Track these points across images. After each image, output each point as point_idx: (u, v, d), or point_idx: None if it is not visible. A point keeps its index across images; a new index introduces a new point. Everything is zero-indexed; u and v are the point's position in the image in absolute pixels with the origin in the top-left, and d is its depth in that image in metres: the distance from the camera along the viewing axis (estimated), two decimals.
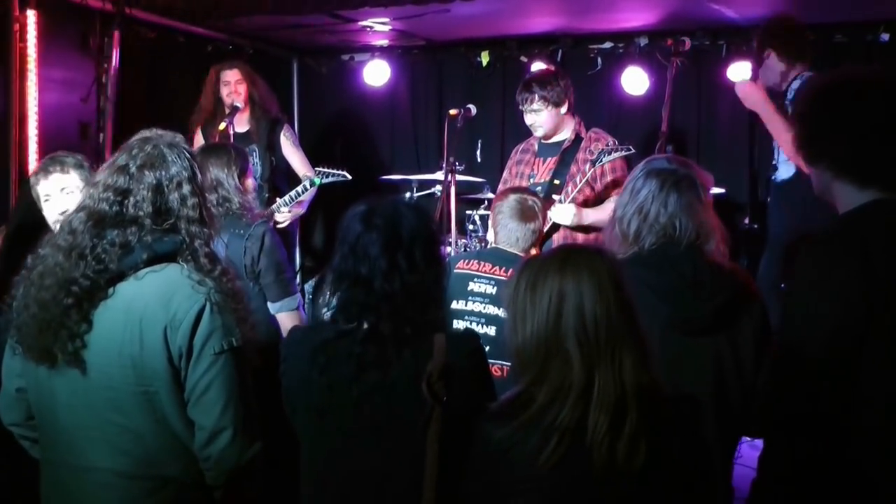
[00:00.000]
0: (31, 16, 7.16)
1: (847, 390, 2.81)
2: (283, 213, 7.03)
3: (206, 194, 3.28)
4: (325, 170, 7.09)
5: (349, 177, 7.15)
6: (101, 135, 7.87)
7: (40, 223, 5.03)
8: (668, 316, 3.41)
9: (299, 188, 7.00)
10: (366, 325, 3.07)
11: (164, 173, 3.07)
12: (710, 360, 3.53)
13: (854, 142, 2.95)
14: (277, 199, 7.10)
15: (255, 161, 7.36)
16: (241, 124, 7.55)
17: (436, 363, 2.94)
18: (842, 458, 2.84)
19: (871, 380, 2.79)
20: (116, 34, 7.88)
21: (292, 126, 8.32)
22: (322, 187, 7.12)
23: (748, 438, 3.85)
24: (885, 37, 7.82)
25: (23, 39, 7.13)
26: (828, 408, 2.85)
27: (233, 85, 7.51)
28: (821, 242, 3.02)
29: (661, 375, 2.81)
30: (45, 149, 7.22)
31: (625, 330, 2.71)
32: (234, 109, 7.25)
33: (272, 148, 7.57)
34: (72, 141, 7.49)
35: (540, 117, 6.21)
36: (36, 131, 7.27)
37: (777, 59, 6.41)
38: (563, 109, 6.21)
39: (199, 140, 7.33)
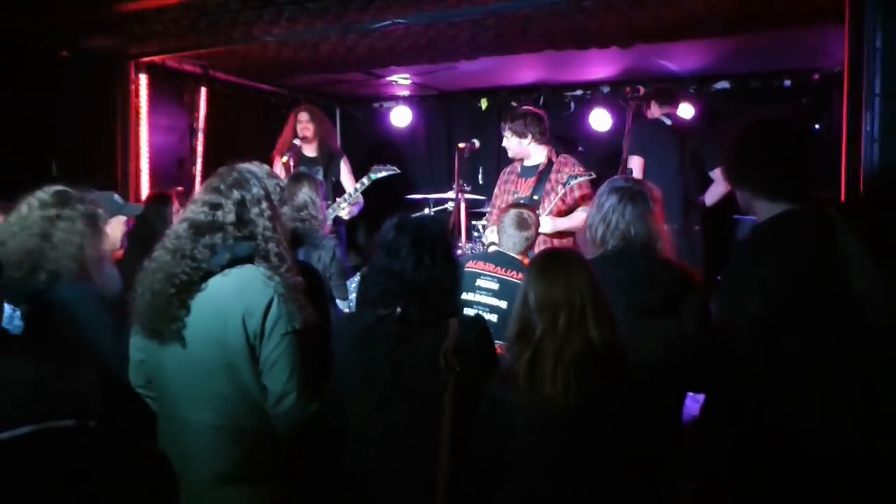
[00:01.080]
0: (143, 78, 7.24)
1: (767, 354, 2.84)
2: (344, 209, 7.02)
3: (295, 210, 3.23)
4: (378, 166, 7.08)
5: (398, 171, 7.15)
6: (194, 167, 7.89)
7: (154, 233, 4.99)
8: (627, 303, 3.38)
9: (358, 184, 7.01)
10: (398, 311, 3.06)
11: (246, 192, 3.06)
12: (661, 337, 3.48)
13: (764, 169, 3.02)
14: (337, 199, 7.11)
15: (320, 177, 7.33)
16: (311, 151, 7.53)
17: (450, 342, 2.94)
18: (764, 402, 2.88)
19: (787, 345, 2.83)
20: (204, 90, 7.94)
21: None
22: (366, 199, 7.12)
23: (691, 393, 3.81)
24: (788, 83, 7.87)
25: (137, 96, 7.21)
26: (753, 368, 2.88)
27: (304, 123, 7.47)
28: (744, 243, 3.08)
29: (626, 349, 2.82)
30: (154, 178, 7.30)
31: (590, 303, 2.72)
32: (294, 147, 7.23)
33: (331, 171, 7.53)
34: (172, 172, 7.54)
35: (510, 143, 6.15)
36: (147, 165, 7.32)
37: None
38: (527, 140, 6.10)
39: (277, 165, 7.25)
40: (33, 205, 3.66)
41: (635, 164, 6.52)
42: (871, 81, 4.03)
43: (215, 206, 3.03)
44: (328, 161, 7.54)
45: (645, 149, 6.52)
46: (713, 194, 6.79)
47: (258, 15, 5.64)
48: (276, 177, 3.26)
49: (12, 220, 3.64)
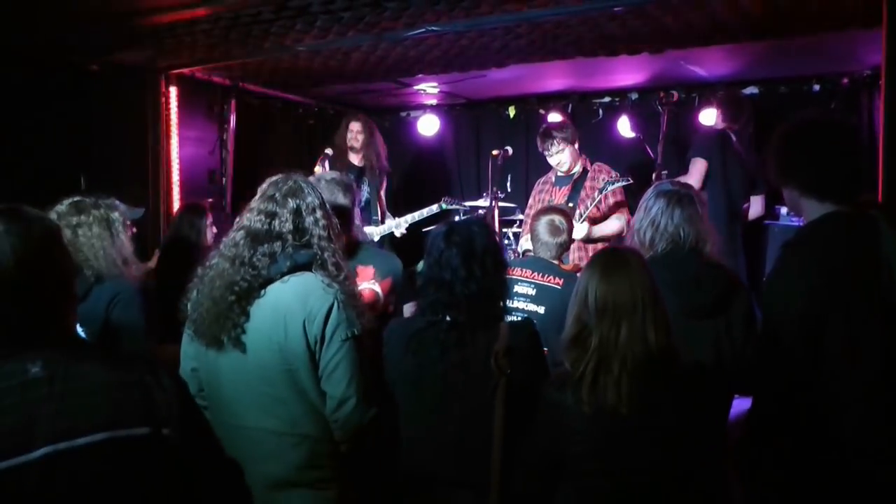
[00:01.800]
0: (173, 91, 7.30)
1: (813, 358, 2.82)
2: (402, 227, 7.20)
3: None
4: (450, 199, 7.32)
5: (467, 206, 7.41)
6: (224, 178, 7.93)
7: (187, 244, 5.06)
8: (677, 304, 3.41)
9: (425, 210, 7.22)
10: (448, 318, 3.12)
11: (301, 201, 3.11)
12: (710, 338, 3.53)
13: (814, 169, 3.01)
14: (406, 216, 7.27)
15: (365, 189, 7.46)
16: (359, 161, 7.59)
17: (501, 344, 3.00)
18: (808, 407, 2.86)
19: (833, 347, 2.80)
20: (233, 102, 8.00)
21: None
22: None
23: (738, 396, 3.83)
24: (817, 87, 7.86)
25: (167, 108, 7.27)
26: (799, 372, 2.87)
27: (355, 133, 7.55)
28: (791, 245, 3.07)
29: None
30: (185, 190, 7.35)
31: (649, 307, 2.75)
32: (327, 155, 7.26)
33: (375, 185, 7.60)
34: (202, 184, 7.60)
35: (563, 156, 6.24)
36: (178, 176, 7.38)
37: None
38: (576, 145, 6.24)
39: (318, 168, 7.16)
40: (61, 211, 3.86)
41: (699, 167, 6.49)
42: None
43: (271, 215, 3.09)
44: (373, 174, 7.58)
45: (711, 154, 6.51)
46: (750, 214, 6.83)
47: (291, 25, 5.68)
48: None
49: None
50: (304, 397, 3.02)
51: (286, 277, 3.03)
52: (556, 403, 2.78)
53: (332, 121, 9.02)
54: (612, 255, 2.91)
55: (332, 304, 2.98)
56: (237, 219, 3.25)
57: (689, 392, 2.80)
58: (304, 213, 3.10)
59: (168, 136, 7.27)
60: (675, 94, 7.58)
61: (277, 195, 3.12)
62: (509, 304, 4.55)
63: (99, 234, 3.83)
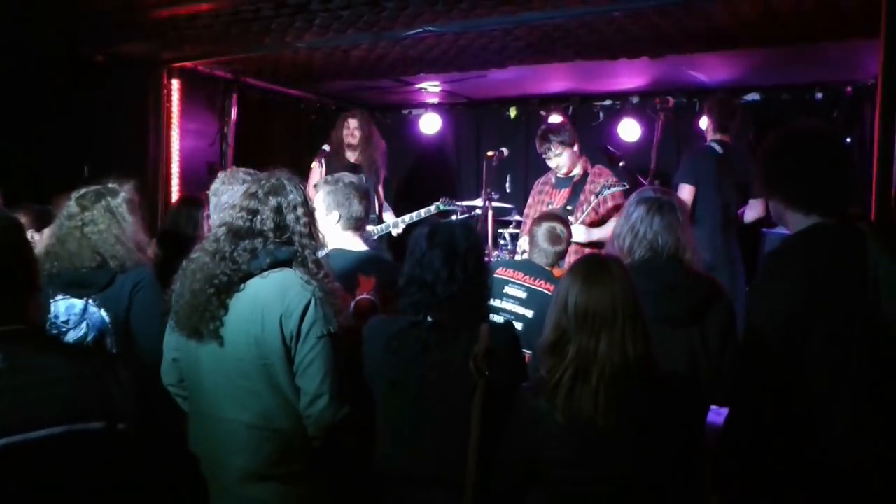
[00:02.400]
0: (175, 84, 7.37)
1: (794, 367, 2.84)
2: (400, 227, 7.19)
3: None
4: (448, 199, 7.35)
5: (463, 206, 7.49)
6: (220, 173, 7.90)
7: (184, 236, 5.12)
8: (652, 312, 3.42)
9: (423, 210, 7.21)
10: (430, 319, 3.14)
11: (283, 199, 3.15)
12: (685, 347, 3.53)
13: (798, 182, 3.02)
14: (403, 216, 7.24)
15: None
16: (356, 158, 7.46)
17: (481, 346, 2.99)
18: (790, 415, 2.88)
19: (813, 358, 2.82)
20: (234, 96, 8.06)
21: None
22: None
23: (714, 406, 3.83)
24: (819, 95, 7.86)
25: (169, 101, 7.34)
26: (779, 380, 2.88)
27: (352, 129, 7.44)
28: (774, 256, 3.08)
29: None
30: (184, 182, 7.42)
31: (628, 316, 2.74)
32: (324, 152, 7.27)
33: (371, 181, 7.37)
34: (202, 176, 7.60)
35: (561, 159, 6.25)
36: (178, 168, 7.44)
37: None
38: (574, 149, 6.27)
39: (315, 168, 7.23)
40: (70, 211, 3.90)
41: (686, 193, 6.46)
42: None
43: (253, 212, 3.14)
44: (370, 171, 7.48)
45: (697, 179, 6.49)
46: (748, 217, 6.83)
47: (290, 22, 5.73)
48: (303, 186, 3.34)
49: (60, 223, 3.88)
50: (279, 392, 3.06)
51: (266, 273, 3.08)
52: (530, 409, 2.78)
53: (333, 116, 8.98)
54: (594, 263, 2.87)
55: (310, 301, 3.02)
56: (220, 215, 3.30)
57: (666, 403, 2.79)
58: (284, 211, 3.14)
59: (169, 128, 7.33)
60: (671, 99, 7.55)
61: (260, 192, 3.17)
62: (498, 304, 4.59)
63: (107, 226, 3.87)
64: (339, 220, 4.08)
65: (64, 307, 3.78)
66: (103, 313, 3.79)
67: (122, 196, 4.00)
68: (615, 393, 2.68)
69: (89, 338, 3.76)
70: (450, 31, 5.83)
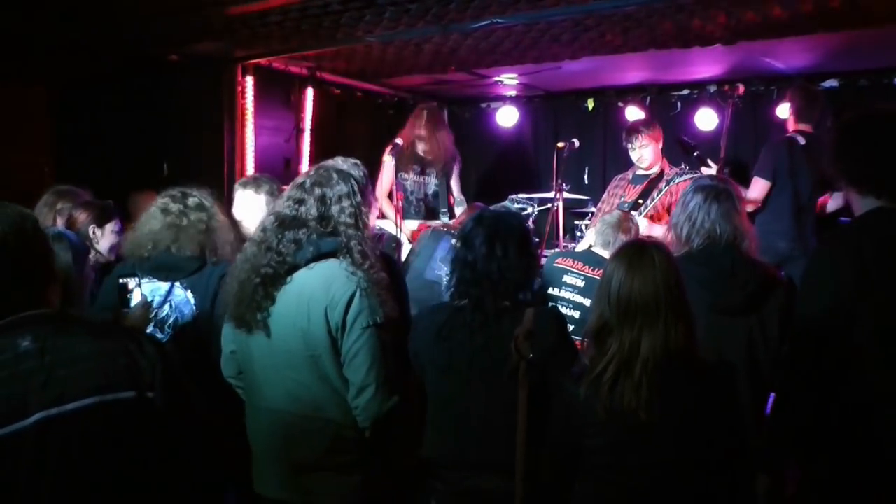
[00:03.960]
0: (249, 80, 7.43)
1: (843, 349, 2.86)
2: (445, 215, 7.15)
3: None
4: (515, 197, 7.35)
5: (535, 198, 7.45)
6: (300, 167, 8.02)
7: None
8: (710, 301, 3.41)
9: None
10: (472, 300, 3.17)
11: (328, 190, 3.19)
12: (744, 335, 3.51)
13: (860, 162, 3.04)
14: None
15: (432, 180, 7.30)
16: (424, 151, 7.29)
17: (523, 328, 3.02)
18: (839, 400, 2.91)
19: (860, 342, 2.85)
20: (310, 91, 8.13)
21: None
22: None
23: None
24: None
25: (243, 97, 7.41)
26: (829, 365, 2.90)
27: (422, 121, 7.25)
28: (826, 242, 3.08)
29: (707, 349, 2.85)
30: None
31: (671, 306, 2.70)
32: (397, 146, 7.28)
33: (447, 174, 7.41)
34: (278, 172, 7.67)
35: (646, 152, 6.28)
36: (253, 165, 7.52)
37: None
38: (659, 144, 6.25)
39: (387, 161, 7.06)
40: (166, 206, 3.99)
41: (759, 187, 6.38)
42: None
43: (299, 202, 3.19)
44: (440, 164, 7.38)
45: (775, 173, 6.36)
46: (831, 207, 6.69)
47: (360, 16, 5.80)
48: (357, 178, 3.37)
49: (152, 217, 3.99)
50: (328, 383, 3.10)
51: (312, 265, 3.12)
52: (571, 397, 2.78)
53: (411, 111, 9.08)
54: (637, 250, 2.81)
55: (355, 292, 3.05)
56: (271, 204, 3.36)
57: (710, 393, 2.76)
58: (329, 202, 3.18)
59: (243, 125, 7.41)
60: (741, 86, 7.44)
61: (307, 183, 3.22)
62: (557, 292, 4.62)
63: (205, 221, 3.99)
64: None
65: (149, 290, 3.87)
66: (189, 296, 3.87)
67: (211, 197, 4.11)
68: (658, 386, 2.66)
69: (171, 319, 3.86)
70: (518, 22, 5.83)
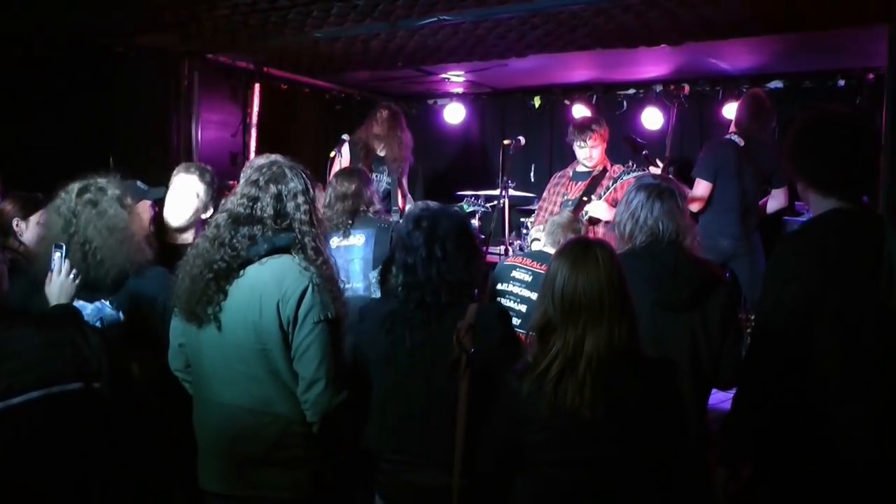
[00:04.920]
0: (196, 75, 7.37)
1: (804, 347, 2.91)
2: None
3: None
4: (470, 199, 7.49)
5: (489, 209, 7.45)
6: (246, 162, 7.89)
7: None
8: (653, 298, 3.47)
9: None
10: (415, 299, 3.21)
11: (283, 187, 3.19)
12: (687, 331, 3.56)
13: (818, 162, 3.08)
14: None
15: (385, 179, 7.31)
16: (381, 150, 7.36)
17: (465, 323, 3.06)
18: (798, 395, 2.96)
19: (822, 340, 2.90)
20: (257, 87, 8.09)
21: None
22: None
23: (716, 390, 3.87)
24: (842, 82, 7.80)
25: (190, 92, 7.35)
26: (789, 360, 2.96)
27: (379, 122, 7.34)
28: (789, 239, 3.13)
29: (650, 345, 2.88)
30: None
31: (615, 304, 2.73)
32: (342, 141, 7.29)
33: (400, 174, 7.42)
34: (224, 167, 7.60)
35: (595, 151, 6.33)
36: (199, 159, 7.37)
37: None
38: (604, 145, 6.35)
39: (336, 158, 7.14)
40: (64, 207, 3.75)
41: (702, 189, 6.53)
42: None
43: (253, 200, 3.18)
44: (394, 164, 7.40)
45: (716, 173, 6.51)
46: (771, 207, 6.82)
47: (307, 12, 5.79)
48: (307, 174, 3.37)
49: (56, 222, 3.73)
50: (278, 377, 3.11)
51: (265, 259, 3.13)
52: (513, 392, 2.80)
53: (358, 107, 9.12)
54: (582, 248, 2.83)
55: (307, 287, 3.06)
56: (222, 202, 3.36)
57: (655, 390, 2.79)
58: (285, 199, 3.18)
59: (190, 119, 7.36)
60: (686, 87, 7.57)
61: (261, 180, 3.21)
62: (505, 287, 4.71)
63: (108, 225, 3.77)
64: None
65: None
66: (121, 315, 3.71)
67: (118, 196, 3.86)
68: (602, 384, 2.68)
69: None
70: (465, 19, 5.86)
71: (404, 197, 7.51)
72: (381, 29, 6.19)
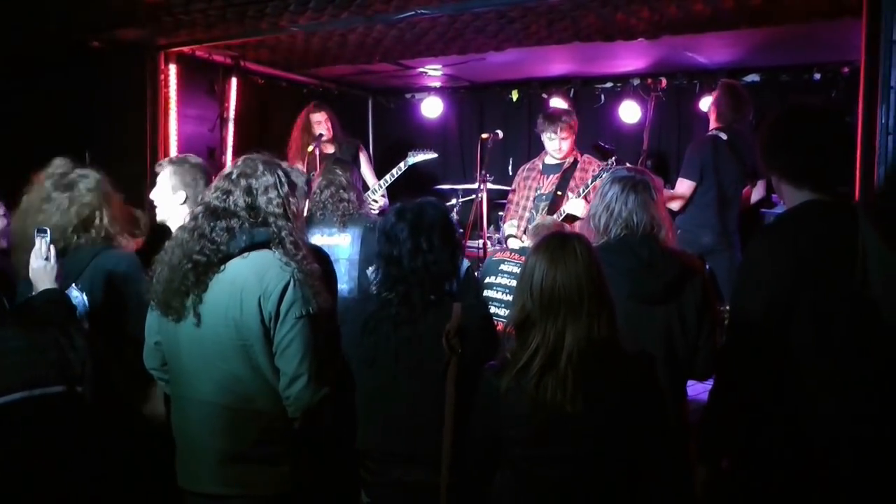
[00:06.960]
0: (173, 69, 7.33)
1: (779, 341, 2.91)
2: (379, 194, 7.22)
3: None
4: (415, 151, 7.31)
5: (435, 154, 7.47)
6: (224, 157, 7.96)
7: None
8: (628, 290, 3.46)
9: (394, 170, 7.21)
10: (398, 293, 3.20)
11: (254, 181, 3.16)
12: (662, 323, 3.57)
13: (792, 155, 3.08)
14: (378, 181, 7.34)
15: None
16: (328, 148, 7.54)
17: (453, 324, 3.04)
18: (774, 388, 2.96)
19: (797, 334, 2.89)
20: (235, 81, 8.05)
21: (367, 149, 8.26)
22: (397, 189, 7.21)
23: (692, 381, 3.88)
24: (818, 76, 7.85)
25: (166, 86, 7.31)
26: (764, 352, 2.96)
27: (322, 122, 7.53)
28: (764, 232, 3.13)
29: (625, 337, 2.84)
30: None
31: (594, 297, 2.72)
32: (319, 137, 7.32)
33: (354, 163, 7.37)
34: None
35: (565, 143, 6.31)
36: (176, 153, 7.37)
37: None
38: (573, 136, 6.32)
39: (310, 149, 7.31)
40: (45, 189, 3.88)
41: (685, 187, 6.51)
42: (887, 75, 4.06)
43: (227, 193, 3.16)
44: (347, 154, 7.51)
45: (702, 172, 6.49)
46: (754, 198, 6.84)
47: (284, 5, 5.75)
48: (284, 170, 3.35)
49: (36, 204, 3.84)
50: (259, 373, 3.09)
51: (246, 254, 3.10)
52: (493, 388, 2.78)
53: (336, 101, 9.08)
54: (559, 242, 2.81)
55: (289, 282, 3.04)
56: (200, 196, 3.34)
57: (635, 383, 2.78)
58: (256, 192, 3.15)
59: (167, 114, 7.32)
60: (663, 80, 7.58)
61: (234, 173, 3.20)
62: (493, 279, 4.72)
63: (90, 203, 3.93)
64: (185, 200, 4.10)
65: None
66: (84, 298, 3.76)
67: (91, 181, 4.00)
68: (582, 378, 2.67)
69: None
70: (443, 13, 5.85)
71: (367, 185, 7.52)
72: (359, 23, 6.16)
